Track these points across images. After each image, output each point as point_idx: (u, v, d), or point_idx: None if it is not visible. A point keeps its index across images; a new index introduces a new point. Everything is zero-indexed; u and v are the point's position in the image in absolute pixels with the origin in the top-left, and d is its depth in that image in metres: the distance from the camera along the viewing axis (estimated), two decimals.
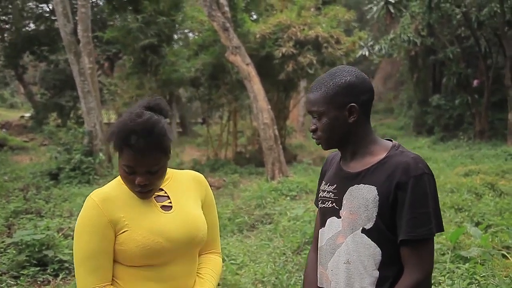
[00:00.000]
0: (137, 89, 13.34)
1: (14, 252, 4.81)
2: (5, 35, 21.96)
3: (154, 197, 1.65)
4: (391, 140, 1.63)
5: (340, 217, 1.58)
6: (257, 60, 12.06)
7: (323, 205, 1.66)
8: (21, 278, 4.33)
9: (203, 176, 1.82)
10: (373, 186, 1.50)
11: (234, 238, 6.39)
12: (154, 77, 13.01)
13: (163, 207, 1.65)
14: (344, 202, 1.57)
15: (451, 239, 4.05)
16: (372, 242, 1.50)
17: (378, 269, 1.51)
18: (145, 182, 1.56)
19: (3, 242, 5.21)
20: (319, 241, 1.68)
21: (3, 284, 3.98)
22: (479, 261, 3.80)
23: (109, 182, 1.71)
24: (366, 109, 1.57)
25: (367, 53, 20.11)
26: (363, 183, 1.53)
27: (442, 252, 4.18)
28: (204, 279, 1.74)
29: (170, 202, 1.67)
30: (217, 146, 14.23)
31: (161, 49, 12.64)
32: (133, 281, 1.61)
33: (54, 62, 21.21)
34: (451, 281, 3.51)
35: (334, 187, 1.63)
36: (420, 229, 1.45)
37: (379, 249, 1.50)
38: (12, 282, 4.20)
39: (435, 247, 4.07)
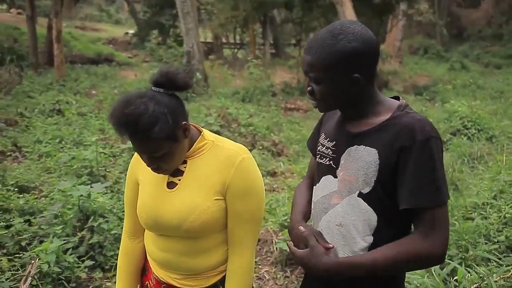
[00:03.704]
0: (232, 10, 13.65)
1: (128, 155, 5.71)
2: None
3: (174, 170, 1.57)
4: (398, 99, 1.49)
5: (337, 177, 1.49)
6: None
7: (321, 161, 1.57)
8: None
9: (243, 157, 1.54)
10: (374, 149, 1.40)
11: None
12: None
13: (170, 183, 1.58)
14: (342, 162, 1.48)
15: None
16: (369, 207, 1.41)
17: (373, 235, 1.42)
18: (153, 166, 1.50)
19: (118, 147, 6.16)
20: (313, 196, 1.61)
21: (122, 180, 4.85)
22: None
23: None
24: (371, 73, 1.42)
25: None
26: (363, 145, 1.42)
27: None
28: None
29: (180, 179, 1.56)
30: None
31: None
32: (146, 238, 1.71)
33: None
34: None
35: (333, 144, 1.53)
36: (425, 197, 1.33)
37: (375, 214, 1.41)
38: None
39: None
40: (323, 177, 1.54)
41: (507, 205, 3.88)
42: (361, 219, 1.43)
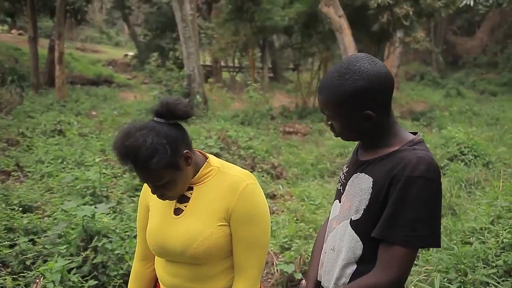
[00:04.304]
0: (232, 35, 13.89)
1: (129, 177, 5.75)
2: None
3: (180, 196, 1.60)
4: (416, 133, 1.52)
5: (340, 202, 1.55)
6: (352, 9, 12.00)
7: (337, 185, 1.63)
8: (135, 198, 5.24)
9: (247, 184, 1.55)
10: (370, 178, 1.42)
11: (315, 182, 6.96)
12: (249, 24, 13.47)
13: (176, 209, 1.60)
14: (347, 188, 1.52)
15: None
16: (355, 235, 1.43)
17: (356, 263, 1.44)
18: (157, 193, 1.54)
19: (119, 168, 6.20)
20: None
21: (124, 201, 4.89)
22: None
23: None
24: (385, 107, 1.43)
25: (471, 3, 18.79)
26: (363, 173, 1.46)
27: None
28: None
29: (186, 206, 1.59)
30: (306, 94, 14.54)
31: None
32: (157, 263, 1.73)
33: (158, 4, 22.32)
34: None
35: (346, 170, 1.58)
36: (393, 232, 1.34)
37: (361, 243, 1.43)
38: (130, 200, 5.12)
39: None
40: (335, 201, 1.60)
41: (505, 230, 3.93)
42: (347, 246, 1.45)
